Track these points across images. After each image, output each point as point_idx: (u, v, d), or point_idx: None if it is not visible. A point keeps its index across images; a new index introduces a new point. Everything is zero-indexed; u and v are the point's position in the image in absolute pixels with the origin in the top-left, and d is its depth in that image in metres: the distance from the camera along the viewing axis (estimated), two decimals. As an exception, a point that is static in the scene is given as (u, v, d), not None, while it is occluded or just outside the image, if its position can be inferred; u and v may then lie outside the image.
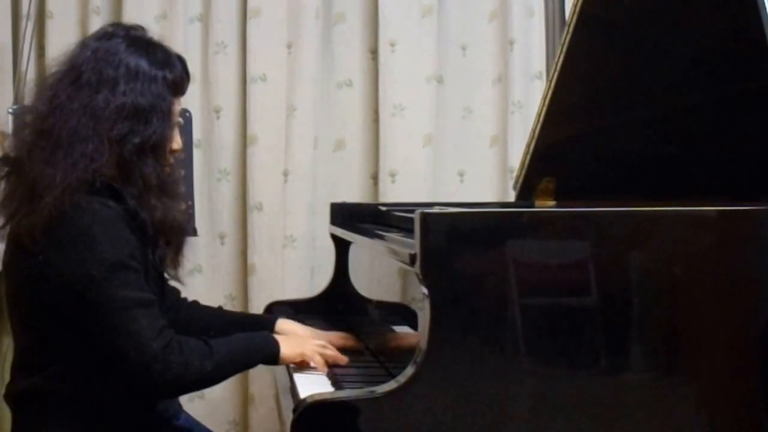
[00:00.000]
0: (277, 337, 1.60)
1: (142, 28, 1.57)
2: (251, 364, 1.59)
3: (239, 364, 1.55)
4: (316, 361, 1.58)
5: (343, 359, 1.62)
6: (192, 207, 2.25)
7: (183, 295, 1.81)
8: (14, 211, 1.45)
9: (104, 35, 1.53)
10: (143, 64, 1.49)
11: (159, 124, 1.48)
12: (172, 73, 1.53)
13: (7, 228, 1.49)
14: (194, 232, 2.22)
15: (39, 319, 1.46)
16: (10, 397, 1.54)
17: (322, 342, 1.64)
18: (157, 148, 1.49)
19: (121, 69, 1.47)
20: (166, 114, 1.50)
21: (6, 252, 1.52)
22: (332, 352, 1.62)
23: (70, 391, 1.46)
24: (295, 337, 1.67)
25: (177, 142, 1.55)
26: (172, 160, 1.56)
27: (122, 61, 1.48)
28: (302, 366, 1.59)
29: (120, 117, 1.45)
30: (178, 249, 1.57)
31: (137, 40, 1.53)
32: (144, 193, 1.47)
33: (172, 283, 1.70)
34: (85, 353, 1.44)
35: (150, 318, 1.41)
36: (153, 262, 1.52)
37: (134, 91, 1.47)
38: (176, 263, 1.58)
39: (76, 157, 1.42)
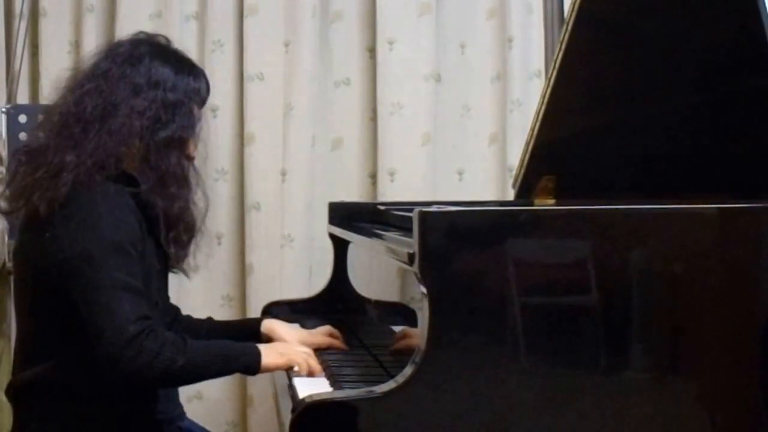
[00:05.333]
0: (261, 346, 1.56)
1: (166, 39, 1.65)
2: (227, 371, 1.55)
3: (213, 368, 1.51)
4: (303, 368, 1.55)
5: (320, 371, 1.56)
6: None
7: (180, 302, 1.83)
8: (34, 190, 1.48)
9: (136, 39, 1.61)
10: (169, 70, 1.57)
11: (186, 120, 1.57)
12: (197, 82, 1.62)
13: (17, 219, 1.54)
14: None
15: (44, 303, 1.49)
16: (12, 391, 1.54)
17: (307, 350, 1.60)
18: (182, 143, 1.57)
19: (153, 71, 1.55)
20: (190, 114, 1.59)
21: (17, 240, 1.55)
22: (316, 363, 1.57)
23: (73, 382, 1.48)
24: (279, 345, 1.65)
25: (192, 148, 1.62)
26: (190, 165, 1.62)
27: (152, 64, 1.56)
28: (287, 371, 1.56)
29: (151, 108, 1.53)
30: (189, 241, 1.60)
31: (165, 49, 1.61)
32: (165, 180, 1.52)
33: (189, 298, 1.79)
34: (85, 341, 1.45)
35: (134, 303, 1.42)
36: (158, 254, 1.54)
37: (166, 89, 1.54)
38: (184, 255, 1.61)
39: (104, 137, 1.49)
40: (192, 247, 1.63)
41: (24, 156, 1.54)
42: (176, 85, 1.56)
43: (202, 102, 1.64)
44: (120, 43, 1.60)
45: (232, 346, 1.56)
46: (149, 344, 1.40)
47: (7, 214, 1.56)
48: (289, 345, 1.64)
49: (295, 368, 1.55)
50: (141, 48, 1.57)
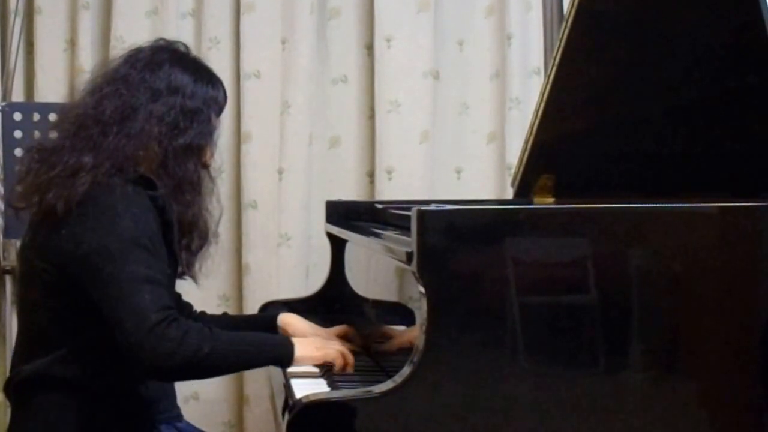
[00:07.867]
0: (295, 339, 1.58)
1: (185, 46, 1.66)
2: (259, 362, 1.57)
3: (244, 358, 1.52)
4: (339, 364, 1.57)
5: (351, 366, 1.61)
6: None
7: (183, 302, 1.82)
8: (49, 187, 1.48)
9: (156, 45, 1.63)
10: (188, 77, 1.58)
11: (204, 128, 1.58)
12: (215, 90, 1.63)
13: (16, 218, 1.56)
14: None
15: (53, 298, 1.49)
16: (12, 385, 1.55)
17: (341, 347, 1.62)
18: (199, 150, 1.57)
19: (173, 78, 1.56)
20: (208, 122, 1.60)
21: (26, 236, 1.57)
22: (351, 357, 1.60)
23: (75, 375, 1.48)
24: (313, 340, 1.65)
25: (209, 156, 1.62)
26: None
27: (172, 70, 1.57)
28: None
29: (170, 114, 1.54)
30: (200, 248, 1.61)
31: (184, 56, 1.63)
32: (181, 186, 1.54)
33: (185, 298, 1.77)
34: (94, 335, 1.47)
35: (155, 294, 1.43)
36: (169, 259, 1.54)
37: (185, 96, 1.56)
38: (192, 263, 1.62)
39: (123, 140, 1.50)
40: (203, 254, 1.64)
41: (38, 153, 1.55)
42: (195, 92, 1.57)
43: (220, 110, 1.65)
44: (140, 49, 1.61)
45: (264, 336, 1.60)
46: (171, 332, 1.40)
47: (18, 209, 1.57)
48: (325, 340, 1.66)
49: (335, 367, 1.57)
50: (161, 54, 1.59)
